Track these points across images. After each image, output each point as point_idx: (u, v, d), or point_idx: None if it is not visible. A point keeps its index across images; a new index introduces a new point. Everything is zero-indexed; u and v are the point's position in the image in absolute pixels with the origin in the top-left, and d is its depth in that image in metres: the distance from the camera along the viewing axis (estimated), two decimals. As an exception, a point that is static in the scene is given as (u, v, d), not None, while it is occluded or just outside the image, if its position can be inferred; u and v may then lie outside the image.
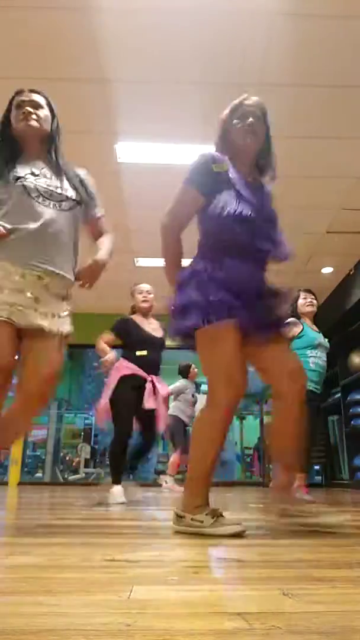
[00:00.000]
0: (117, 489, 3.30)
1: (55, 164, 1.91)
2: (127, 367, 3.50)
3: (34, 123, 1.88)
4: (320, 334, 3.85)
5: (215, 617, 0.73)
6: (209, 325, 1.69)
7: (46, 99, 1.97)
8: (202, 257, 1.83)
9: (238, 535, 1.56)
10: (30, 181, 1.79)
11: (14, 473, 7.15)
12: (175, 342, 1.92)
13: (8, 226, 1.70)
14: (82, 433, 9.87)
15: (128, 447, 3.43)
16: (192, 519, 1.63)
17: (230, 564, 1.14)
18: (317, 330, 3.87)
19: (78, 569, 1.07)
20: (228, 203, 1.76)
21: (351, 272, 6.39)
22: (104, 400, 3.45)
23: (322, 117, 3.78)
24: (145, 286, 3.73)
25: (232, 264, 1.76)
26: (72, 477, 8.69)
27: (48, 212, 1.79)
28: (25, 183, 1.78)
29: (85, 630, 0.66)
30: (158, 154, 4.19)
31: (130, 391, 3.42)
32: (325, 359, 3.80)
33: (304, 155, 4.18)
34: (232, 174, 1.86)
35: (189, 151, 4.08)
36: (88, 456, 9.01)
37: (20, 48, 3.20)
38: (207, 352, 1.76)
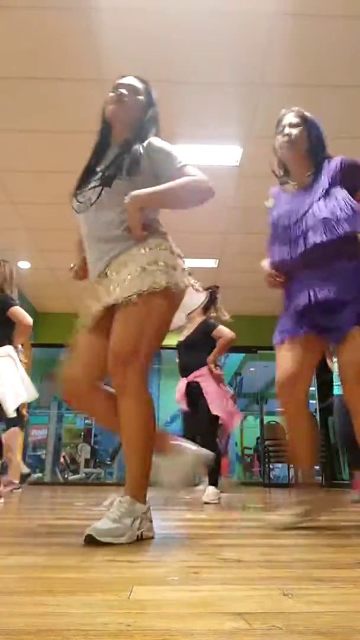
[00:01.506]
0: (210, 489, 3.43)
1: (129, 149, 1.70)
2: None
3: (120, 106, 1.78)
4: None
5: (215, 617, 0.73)
6: None
7: (144, 86, 1.86)
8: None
9: None
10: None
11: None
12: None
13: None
14: (82, 433, 9.87)
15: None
16: None
17: (230, 564, 1.14)
18: None
19: (78, 569, 1.07)
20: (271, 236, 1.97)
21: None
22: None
23: (323, 117, 3.77)
24: None
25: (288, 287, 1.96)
26: (72, 477, 8.69)
27: (82, 217, 1.71)
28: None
29: (85, 630, 0.66)
30: (158, 154, 4.18)
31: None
32: None
33: (304, 155, 4.18)
34: (275, 201, 2.04)
35: (189, 151, 4.08)
36: (88, 456, 9.01)
37: (20, 48, 3.20)
38: None
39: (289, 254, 1.89)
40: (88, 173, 1.80)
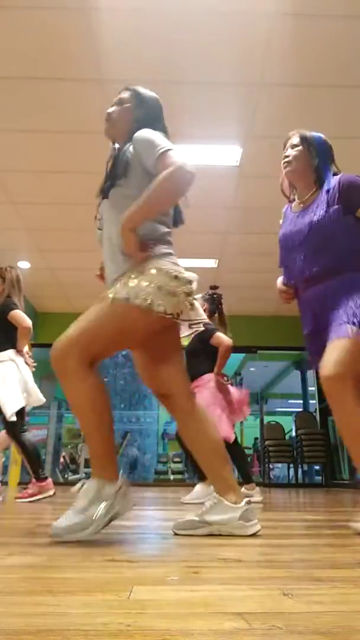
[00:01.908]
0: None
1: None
2: None
3: (106, 126, 1.83)
4: None
5: (215, 617, 0.73)
6: None
7: (129, 93, 1.82)
8: None
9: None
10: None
11: (14, 473, 7.14)
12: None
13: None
14: (82, 433, 9.86)
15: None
16: None
17: (230, 564, 1.14)
18: None
19: (78, 569, 1.07)
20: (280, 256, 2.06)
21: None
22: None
23: (323, 117, 3.78)
24: None
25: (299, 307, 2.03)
26: (72, 477, 8.70)
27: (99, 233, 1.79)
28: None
29: (85, 630, 0.66)
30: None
31: None
32: None
33: (304, 155, 4.19)
34: (284, 219, 2.09)
35: (189, 151, 4.08)
36: (88, 456, 9.01)
37: (20, 48, 3.20)
38: None
39: (293, 278, 1.99)
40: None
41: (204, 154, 4.18)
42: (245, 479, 3.53)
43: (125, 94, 1.83)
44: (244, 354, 9.17)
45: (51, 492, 3.40)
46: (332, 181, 1.94)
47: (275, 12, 2.96)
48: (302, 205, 2.00)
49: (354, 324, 1.71)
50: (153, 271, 1.57)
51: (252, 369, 10.60)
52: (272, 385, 12.39)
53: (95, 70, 3.32)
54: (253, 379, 10.52)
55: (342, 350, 1.68)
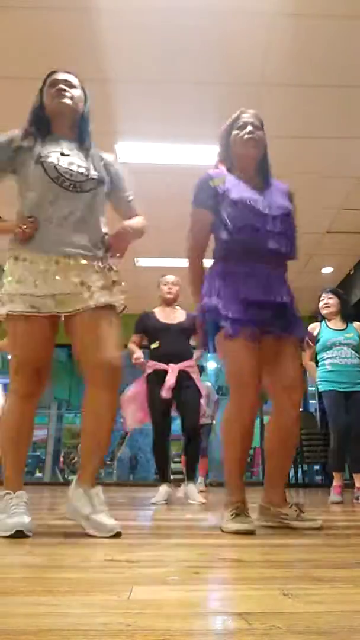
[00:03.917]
0: (162, 488, 3.40)
1: (85, 145, 1.86)
2: (148, 365, 3.58)
3: (67, 100, 1.84)
4: (343, 331, 3.82)
5: (215, 617, 0.73)
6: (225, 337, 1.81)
7: (78, 81, 1.94)
8: (215, 267, 2.01)
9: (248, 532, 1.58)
10: (51, 160, 1.75)
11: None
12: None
13: (32, 219, 1.73)
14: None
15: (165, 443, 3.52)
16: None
17: (230, 564, 1.14)
18: (340, 328, 3.83)
19: (78, 569, 1.07)
20: (230, 213, 1.87)
21: (351, 272, 6.38)
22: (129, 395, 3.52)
23: (323, 117, 3.78)
24: (170, 277, 3.71)
25: (241, 271, 1.88)
26: (72, 477, 8.69)
27: (65, 194, 1.75)
28: (45, 163, 1.74)
29: (85, 630, 0.66)
30: (158, 154, 4.18)
31: (156, 388, 3.44)
32: (349, 354, 3.75)
33: (305, 155, 4.18)
34: (229, 183, 1.94)
35: (189, 151, 4.08)
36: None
37: (20, 48, 3.20)
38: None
39: (259, 242, 1.88)
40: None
41: (204, 154, 4.17)
42: (191, 476, 3.53)
43: (73, 80, 1.92)
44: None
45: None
46: (282, 185, 2.04)
47: (275, 12, 2.96)
48: (251, 184, 1.97)
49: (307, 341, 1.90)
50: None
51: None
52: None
53: (95, 70, 3.32)
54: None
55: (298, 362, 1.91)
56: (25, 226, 1.69)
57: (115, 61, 3.26)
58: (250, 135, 1.97)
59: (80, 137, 1.87)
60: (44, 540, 1.51)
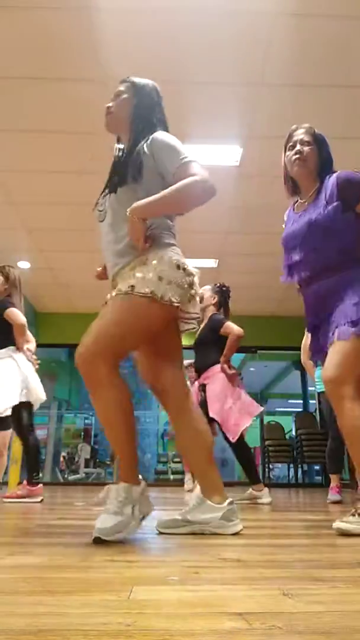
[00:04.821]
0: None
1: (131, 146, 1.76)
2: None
3: (106, 121, 1.85)
4: None
5: (215, 617, 0.73)
6: None
7: (130, 81, 1.88)
8: None
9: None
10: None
11: (14, 473, 7.13)
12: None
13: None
14: (82, 433, 9.87)
15: None
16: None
17: (230, 564, 1.14)
18: None
19: (78, 569, 1.07)
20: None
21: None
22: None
23: (323, 117, 3.77)
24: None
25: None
26: (72, 477, 8.69)
27: (100, 225, 1.78)
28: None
29: (85, 630, 0.66)
30: (158, 154, 4.18)
31: None
32: None
33: (304, 155, 4.19)
34: (287, 220, 2.08)
35: (190, 151, 4.07)
36: (88, 456, 9.02)
37: (20, 48, 3.20)
38: None
39: (295, 278, 1.99)
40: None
41: (204, 154, 4.18)
42: (253, 479, 3.48)
43: (122, 87, 1.86)
44: (244, 354, 9.17)
45: (39, 499, 3.35)
46: (331, 179, 1.94)
47: (276, 12, 2.96)
48: (305, 203, 2.00)
49: (352, 324, 1.72)
50: (154, 262, 1.58)
51: (252, 369, 10.58)
52: (272, 385, 12.38)
53: (95, 70, 3.32)
54: (253, 379, 10.50)
55: (343, 354, 1.71)
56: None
57: (116, 61, 3.26)
58: (296, 156, 1.98)
59: (133, 138, 1.77)
60: (44, 540, 1.51)
